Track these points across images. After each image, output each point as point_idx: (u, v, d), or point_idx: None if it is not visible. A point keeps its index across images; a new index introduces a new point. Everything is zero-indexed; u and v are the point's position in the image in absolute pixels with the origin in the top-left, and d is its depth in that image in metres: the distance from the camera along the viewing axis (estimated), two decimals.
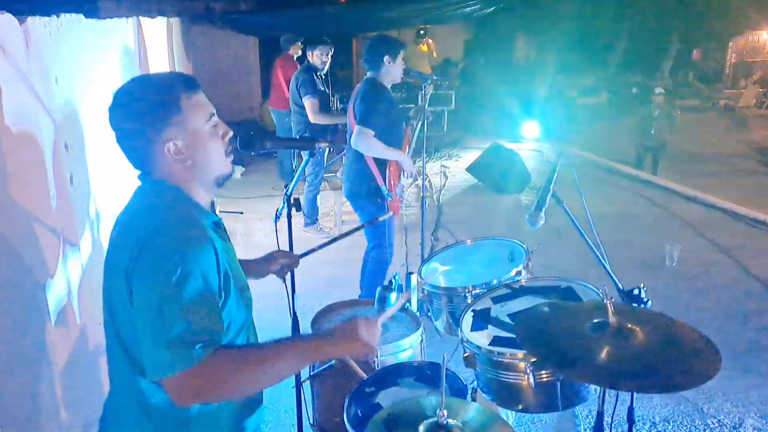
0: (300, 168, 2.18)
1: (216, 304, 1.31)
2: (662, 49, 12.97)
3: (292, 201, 2.12)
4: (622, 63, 12.87)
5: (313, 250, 2.22)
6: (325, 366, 2.15)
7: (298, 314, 2.24)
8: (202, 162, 1.39)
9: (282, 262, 2.00)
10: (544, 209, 2.14)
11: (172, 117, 1.34)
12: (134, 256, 1.27)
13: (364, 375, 2.00)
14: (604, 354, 1.55)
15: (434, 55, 10.65)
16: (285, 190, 2.14)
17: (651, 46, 12.93)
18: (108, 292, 1.38)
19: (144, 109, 1.33)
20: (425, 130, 3.99)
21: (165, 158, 1.36)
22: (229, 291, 1.36)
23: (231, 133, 1.46)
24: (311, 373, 2.24)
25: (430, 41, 10.33)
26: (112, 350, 1.41)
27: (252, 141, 1.90)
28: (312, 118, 5.24)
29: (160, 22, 5.58)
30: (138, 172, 1.44)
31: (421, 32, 9.99)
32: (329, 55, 5.39)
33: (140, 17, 4.34)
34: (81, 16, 2.81)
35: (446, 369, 1.57)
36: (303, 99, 5.25)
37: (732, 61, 15.14)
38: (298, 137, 5.26)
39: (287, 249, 2.19)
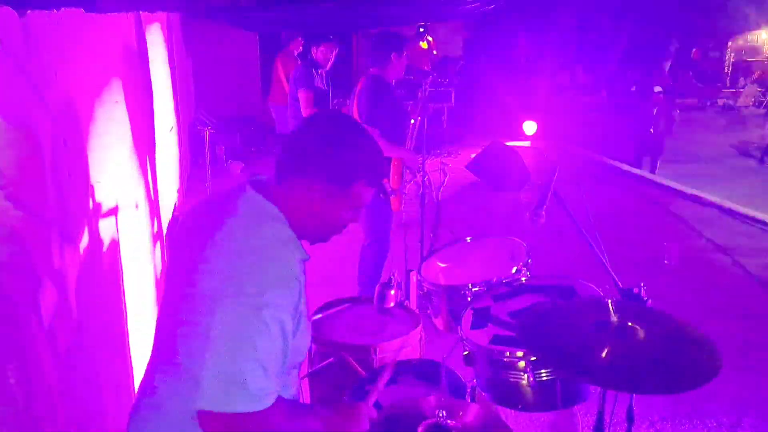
0: None
1: (285, 357, 1.31)
2: (661, 47, 12.95)
3: None
4: (621, 61, 12.86)
5: None
6: (324, 363, 2.15)
7: None
8: (317, 223, 1.41)
9: None
10: (544, 207, 2.14)
11: (338, 184, 1.36)
12: (222, 286, 1.24)
13: (363, 372, 2.00)
14: (605, 354, 1.54)
15: (434, 52, 10.63)
16: None
17: (650, 44, 12.92)
18: (177, 303, 1.33)
19: (333, 153, 1.35)
20: (425, 126, 3.98)
21: (304, 194, 1.37)
22: (297, 327, 1.36)
23: (354, 221, 1.49)
24: (310, 371, 2.23)
25: (430, 38, 10.30)
26: (168, 363, 1.34)
27: (253, 137, 1.89)
28: (304, 112, 5.23)
29: (161, 17, 5.55)
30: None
31: (421, 29, 9.97)
32: (333, 54, 5.40)
33: (140, 12, 4.32)
34: (81, 10, 2.79)
35: (445, 367, 1.57)
36: (297, 92, 5.24)
37: (731, 60, 15.14)
38: None
39: None
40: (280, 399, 1.31)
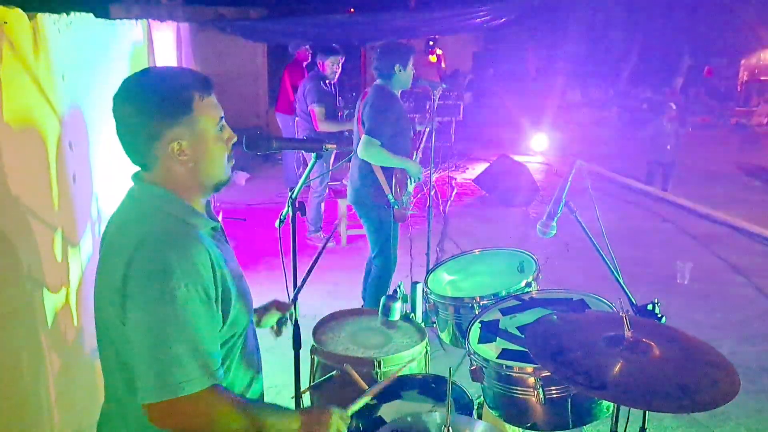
0: (306, 170, 2.13)
1: (214, 329, 1.27)
2: (673, 65, 12.94)
3: (297, 205, 2.07)
4: (632, 78, 12.85)
5: (307, 275, 2.13)
6: (326, 377, 2.09)
7: (299, 323, 2.18)
8: (204, 165, 1.34)
9: (279, 316, 1.89)
10: (555, 219, 2.09)
11: (182, 116, 1.28)
12: (125, 272, 1.22)
13: (366, 387, 1.94)
14: (618, 369, 1.48)
15: (443, 65, 10.65)
16: (290, 194, 2.08)
17: (662, 61, 12.91)
18: (100, 305, 1.33)
19: (153, 103, 1.27)
20: (433, 139, 3.94)
21: (166, 157, 1.30)
22: (229, 298, 1.32)
23: (235, 139, 1.41)
24: (311, 384, 2.18)
25: (439, 52, 10.33)
26: (108, 363, 1.36)
27: (258, 141, 1.85)
28: (318, 126, 5.23)
29: (170, 25, 5.57)
30: (133, 171, 1.39)
31: (430, 42, 10.00)
32: (340, 65, 5.39)
33: (150, 20, 4.33)
34: (91, 15, 2.78)
35: (452, 382, 1.52)
36: (309, 107, 5.23)
37: (744, 78, 15.08)
38: (304, 138, 5.25)
39: (291, 261, 2.13)
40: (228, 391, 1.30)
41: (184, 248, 1.24)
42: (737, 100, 14.71)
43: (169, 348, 1.19)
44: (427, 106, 3.98)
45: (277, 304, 1.89)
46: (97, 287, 1.34)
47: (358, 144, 3.59)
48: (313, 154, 2.05)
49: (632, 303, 1.98)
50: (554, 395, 1.72)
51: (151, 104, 1.27)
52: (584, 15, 11.16)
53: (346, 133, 5.42)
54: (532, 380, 1.73)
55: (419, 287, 2.48)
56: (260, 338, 1.78)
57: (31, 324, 2.06)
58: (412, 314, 2.44)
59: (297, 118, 5.64)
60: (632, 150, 8.95)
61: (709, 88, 13.57)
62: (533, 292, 2.19)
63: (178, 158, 1.30)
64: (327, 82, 5.35)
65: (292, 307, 1.98)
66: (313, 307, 3.83)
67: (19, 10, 2.04)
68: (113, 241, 1.32)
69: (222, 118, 1.37)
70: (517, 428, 2.01)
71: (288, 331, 2.17)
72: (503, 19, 8.30)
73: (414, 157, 3.78)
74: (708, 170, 9.27)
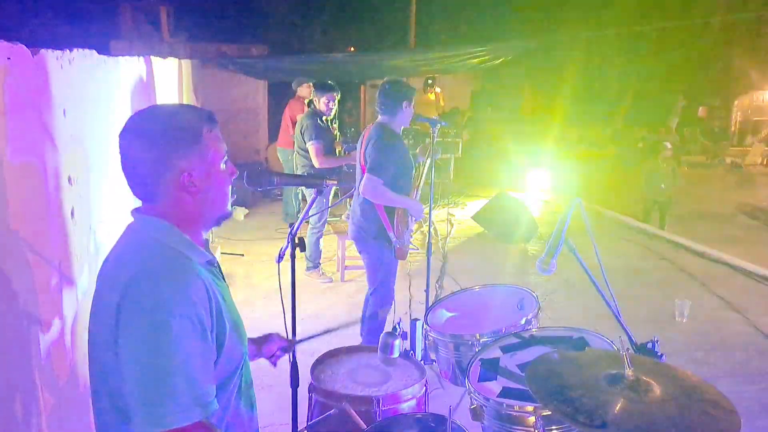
0: (307, 206, 2.13)
1: (208, 361, 1.25)
2: (668, 105, 13.14)
3: (296, 240, 2.06)
4: (628, 117, 13.04)
5: (311, 337, 2.13)
6: (324, 415, 2.05)
7: (297, 360, 2.15)
8: (212, 197, 1.35)
9: (276, 348, 1.88)
10: (555, 256, 2.08)
11: (192, 147, 1.29)
12: (120, 304, 1.21)
13: (364, 426, 1.91)
14: (619, 408, 1.46)
15: (441, 104, 10.78)
16: (290, 229, 2.08)
17: (657, 101, 13.12)
18: (93, 339, 1.32)
19: (164, 135, 1.28)
20: (432, 175, 3.96)
21: (173, 189, 1.30)
22: (224, 332, 1.30)
23: (236, 174, 1.43)
24: (309, 423, 2.14)
25: (438, 90, 10.47)
26: (99, 399, 1.33)
27: (260, 177, 1.86)
28: (317, 163, 5.26)
29: (172, 61, 5.65)
30: (131, 207, 1.39)
31: (429, 81, 10.14)
32: (336, 101, 5.45)
33: (152, 56, 4.39)
34: (93, 51, 2.82)
35: (451, 422, 1.49)
36: (307, 144, 5.28)
37: (738, 119, 15.29)
38: (305, 174, 5.27)
39: (290, 297, 2.11)
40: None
41: (179, 279, 1.24)
42: (731, 139, 14.89)
43: (162, 380, 1.17)
44: (426, 142, 4.01)
45: (276, 336, 1.88)
46: (91, 322, 1.32)
47: (360, 182, 3.61)
48: (314, 190, 2.05)
49: (632, 341, 1.96)
50: None
51: (161, 136, 1.28)
52: (580, 55, 11.41)
53: (345, 167, 5.45)
54: (532, 419, 1.70)
55: (419, 324, 2.46)
56: (256, 376, 1.75)
57: (25, 361, 2.03)
58: (412, 351, 2.41)
59: (295, 154, 5.69)
60: (628, 188, 9.01)
61: (704, 128, 13.76)
62: (533, 330, 2.17)
63: (188, 189, 1.30)
64: (323, 118, 5.40)
65: (293, 340, 1.96)
66: (311, 343, 3.79)
67: (23, 46, 2.07)
68: (109, 275, 1.31)
69: (226, 151, 1.39)
70: None
71: (285, 367, 2.14)
72: (501, 59, 8.46)
73: (415, 195, 3.79)
74: (704, 209, 9.32)
